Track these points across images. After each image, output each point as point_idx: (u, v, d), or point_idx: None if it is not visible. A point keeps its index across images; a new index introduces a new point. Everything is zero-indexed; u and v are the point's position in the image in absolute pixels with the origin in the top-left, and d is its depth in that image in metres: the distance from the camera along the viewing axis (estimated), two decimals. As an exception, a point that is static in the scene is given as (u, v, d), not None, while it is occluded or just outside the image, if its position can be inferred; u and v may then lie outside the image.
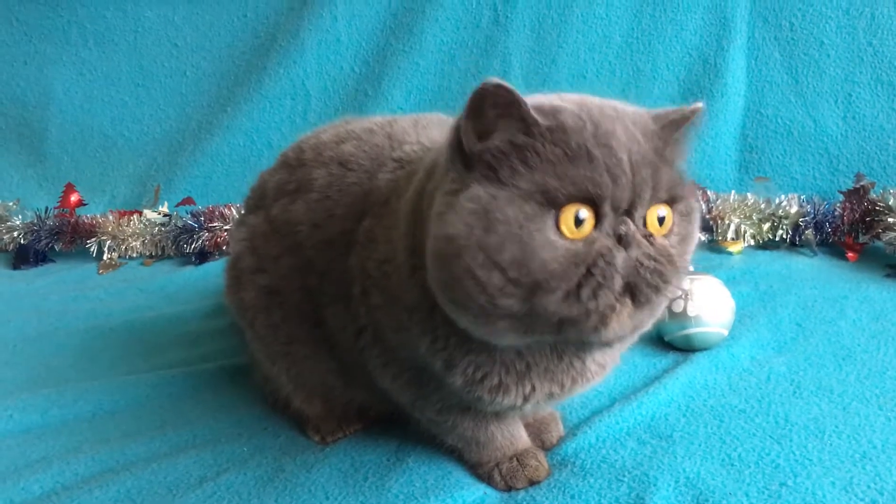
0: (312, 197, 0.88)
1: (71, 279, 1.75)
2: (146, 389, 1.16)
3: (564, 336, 0.67)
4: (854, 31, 1.79)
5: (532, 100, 0.67)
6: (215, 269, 1.72)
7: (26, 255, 1.86)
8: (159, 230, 1.83)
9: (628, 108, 0.70)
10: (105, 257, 1.83)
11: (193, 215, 1.82)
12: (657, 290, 0.66)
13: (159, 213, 1.85)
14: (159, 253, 1.85)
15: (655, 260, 0.66)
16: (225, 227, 1.77)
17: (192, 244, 1.79)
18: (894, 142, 1.77)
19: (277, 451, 0.97)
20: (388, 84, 1.94)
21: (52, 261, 1.87)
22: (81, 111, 2.11)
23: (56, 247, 1.86)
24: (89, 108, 2.11)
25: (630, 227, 0.65)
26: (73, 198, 1.90)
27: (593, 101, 0.70)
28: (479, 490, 0.87)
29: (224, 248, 1.78)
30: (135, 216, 1.85)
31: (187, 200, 1.88)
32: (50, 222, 1.87)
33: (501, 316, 0.65)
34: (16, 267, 1.85)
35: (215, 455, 0.97)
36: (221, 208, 1.81)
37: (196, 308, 1.51)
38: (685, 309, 1.13)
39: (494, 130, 0.65)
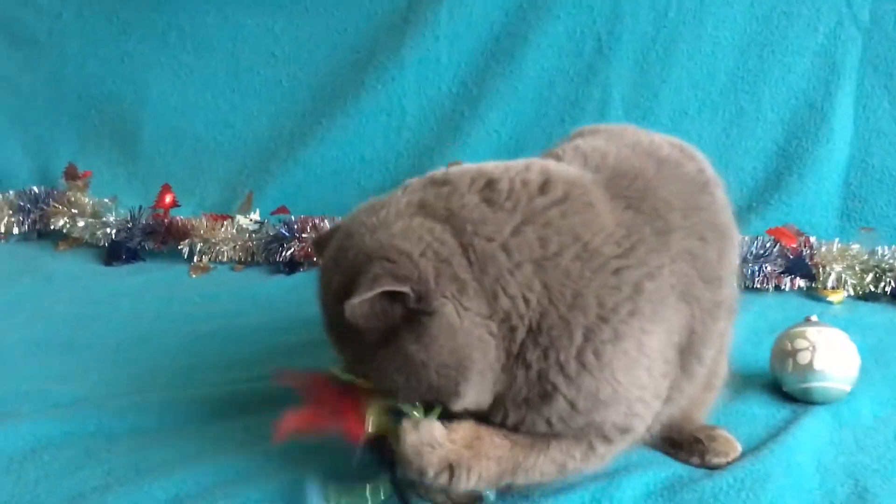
0: None
1: (163, 280, 1.77)
2: (255, 398, 1.16)
3: None
4: (967, 85, 1.75)
5: None
6: (305, 280, 1.73)
7: (118, 252, 1.87)
8: (251, 236, 1.85)
9: None
10: (196, 260, 1.84)
11: (286, 224, 1.83)
12: None
13: (250, 220, 1.87)
14: (249, 259, 1.86)
15: None
16: (316, 239, 1.77)
17: (282, 253, 1.79)
18: None
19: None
20: (485, 106, 1.93)
21: (143, 259, 1.89)
22: (175, 113, 2.12)
23: (147, 245, 1.88)
24: (183, 111, 2.11)
25: None
26: (168, 198, 1.92)
27: None
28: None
29: (314, 259, 1.77)
30: (227, 221, 1.87)
31: (281, 209, 1.89)
32: (144, 221, 1.89)
33: None
34: (107, 263, 1.87)
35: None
36: (315, 219, 1.82)
37: (289, 317, 1.51)
38: (811, 361, 1.10)
39: None
